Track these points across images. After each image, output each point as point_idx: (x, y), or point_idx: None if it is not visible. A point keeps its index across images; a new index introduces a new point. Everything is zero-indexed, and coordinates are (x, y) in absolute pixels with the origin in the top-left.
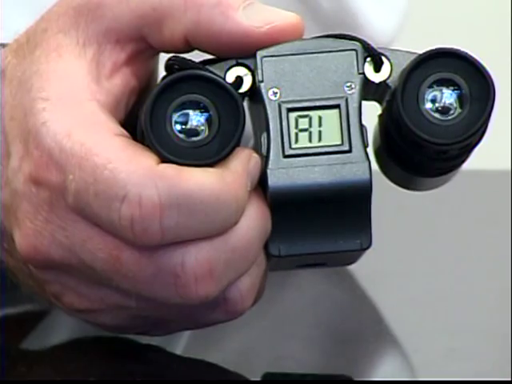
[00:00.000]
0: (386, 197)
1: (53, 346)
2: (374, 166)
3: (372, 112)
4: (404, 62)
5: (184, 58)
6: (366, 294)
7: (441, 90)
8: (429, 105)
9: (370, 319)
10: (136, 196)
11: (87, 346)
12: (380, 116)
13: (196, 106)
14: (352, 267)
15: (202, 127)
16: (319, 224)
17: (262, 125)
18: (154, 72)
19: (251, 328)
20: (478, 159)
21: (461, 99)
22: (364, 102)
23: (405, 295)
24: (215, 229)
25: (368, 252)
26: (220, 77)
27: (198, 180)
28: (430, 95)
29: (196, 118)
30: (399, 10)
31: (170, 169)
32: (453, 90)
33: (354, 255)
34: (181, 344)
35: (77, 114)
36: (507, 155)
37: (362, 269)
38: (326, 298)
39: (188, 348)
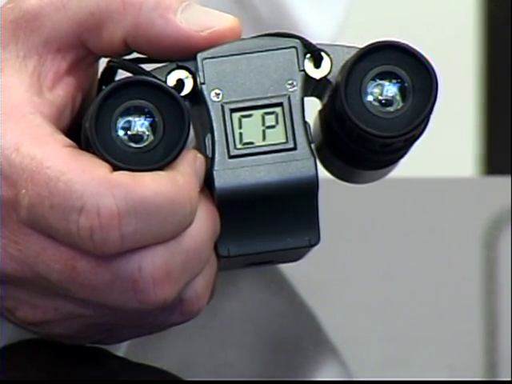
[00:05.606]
0: (322, 206)
1: None
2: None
3: (311, 107)
4: (344, 57)
5: (125, 60)
6: (304, 302)
7: (383, 83)
8: (372, 98)
9: (308, 327)
10: (94, 206)
11: (29, 350)
12: (320, 111)
13: (140, 111)
14: (290, 275)
15: (148, 132)
16: (267, 222)
17: (205, 126)
18: (95, 78)
19: (190, 336)
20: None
21: (404, 91)
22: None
23: (343, 303)
24: (171, 232)
25: (306, 260)
26: (161, 81)
27: (153, 185)
28: (372, 88)
29: (141, 123)
30: (338, 15)
31: (124, 176)
32: (395, 83)
33: (301, 252)
34: (120, 352)
35: (22, 128)
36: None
37: (301, 277)
38: (265, 306)
39: (127, 356)
